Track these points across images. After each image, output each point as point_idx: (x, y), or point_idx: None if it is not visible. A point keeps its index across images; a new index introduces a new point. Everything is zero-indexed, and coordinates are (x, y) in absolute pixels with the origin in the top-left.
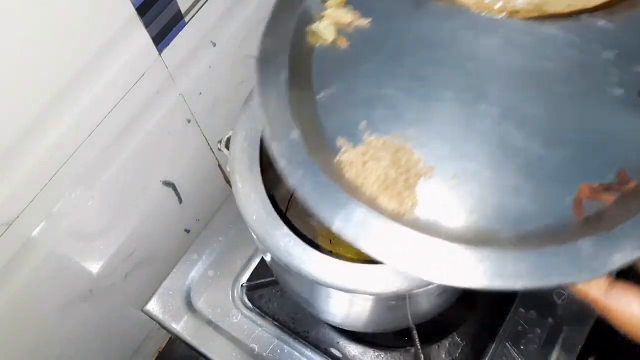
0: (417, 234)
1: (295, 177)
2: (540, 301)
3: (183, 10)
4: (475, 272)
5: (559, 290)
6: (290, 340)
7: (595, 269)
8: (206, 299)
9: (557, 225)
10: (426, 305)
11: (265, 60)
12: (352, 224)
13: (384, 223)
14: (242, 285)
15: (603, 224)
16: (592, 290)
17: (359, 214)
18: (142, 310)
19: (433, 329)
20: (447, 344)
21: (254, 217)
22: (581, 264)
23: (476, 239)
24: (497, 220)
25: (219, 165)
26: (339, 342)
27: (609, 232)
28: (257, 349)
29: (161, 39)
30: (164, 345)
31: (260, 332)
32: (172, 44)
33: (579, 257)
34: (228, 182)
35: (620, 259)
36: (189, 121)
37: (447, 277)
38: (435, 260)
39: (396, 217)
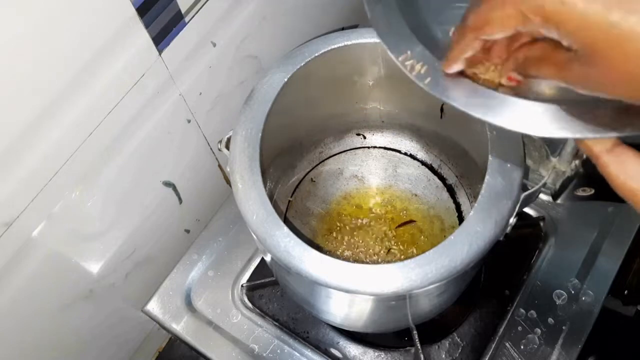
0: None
1: None
2: (540, 301)
3: (183, 10)
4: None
5: (558, 290)
6: (290, 340)
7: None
8: (206, 299)
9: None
10: (426, 305)
11: None
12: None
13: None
14: (242, 285)
15: None
16: (596, 146)
17: None
18: (142, 310)
19: (433, 329)
20: (447, 344)
21: (254, 217)
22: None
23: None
24: None
25: (219, 165)
26: (339, 342)
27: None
28: (257, 349)
29: (161, 39)
30: (164, 345)
31: (260, 332)
32: (172, 44)
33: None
34: (228, 182)
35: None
36: (189, 121)
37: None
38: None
39: None
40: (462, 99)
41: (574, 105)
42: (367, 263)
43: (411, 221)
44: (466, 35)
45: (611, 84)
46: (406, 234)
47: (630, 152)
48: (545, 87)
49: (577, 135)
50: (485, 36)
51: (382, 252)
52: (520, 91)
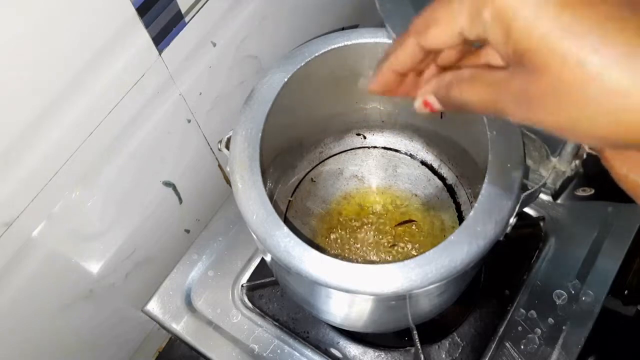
0: None
1: None
2: (540, 301)
3: (183, 10)
4: None
5: (558, 290)
6: (290, 340)
7: None
8: (206, 299)
9: None
10: (426, 305)
11: None
12: None
13: None
14: (242, 285)
15: None
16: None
17: None
18: (142, 310)
19: (433, 329)
20: (447, 344)
21: (254, 217)
22: None
23: None
24: None
25: (219, 165)
26: (339, 342)
27: None
28: (257, 349)
29: (161, 39)
30: (164, 345)
31: (260, 332)
32: (172, 44)
33: None
34: (228, 182)
35: None
36: (189, 121)
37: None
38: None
39: None
40: None
41: None
42: (367, 263)
43: (410, 220)
44: (406, 40)
45: (545, 109)
46: (406, 234)
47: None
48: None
49: None
50: (427, 41)
51: (382, 252)
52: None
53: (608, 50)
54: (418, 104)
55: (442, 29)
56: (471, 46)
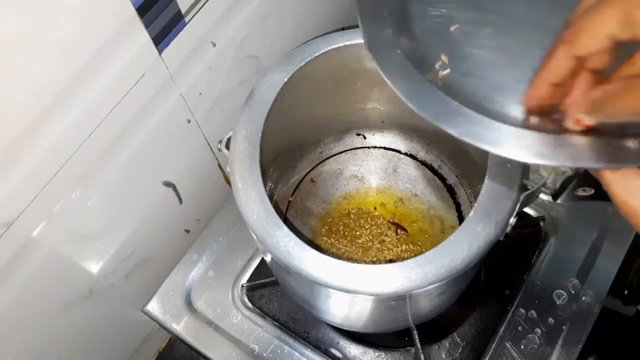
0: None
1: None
2: (540, 301)
3: (183, 10)
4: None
5: (558, 290)
6: (290, 341)
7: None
8: (206, 299)
9: None
10: (426, 305)
11: None
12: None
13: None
14: (242, 285)
15: None
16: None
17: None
18: (142, 310)
19: (433, 329)
20: (447, 344)
21: (254, 217)
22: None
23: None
24: None
25: (219, 165)
26: (339, 342)
27: None
28: (257, 349)
29: (161, 39)
30: (164, 346)
31: (260, 332)
32: (172, 44)
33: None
34: (228, 182)
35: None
36: (189, 121)
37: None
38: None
39: None
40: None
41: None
42: (367, 263)
43: (403, 228)
44: (556, 51)
45: None
46: (406, 234)
47: (634, 171)
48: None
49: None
50: (579, 48)
51: (382, 252)
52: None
53: None
54: (571, 124)
55: (593, 35)
56: (622, 48)
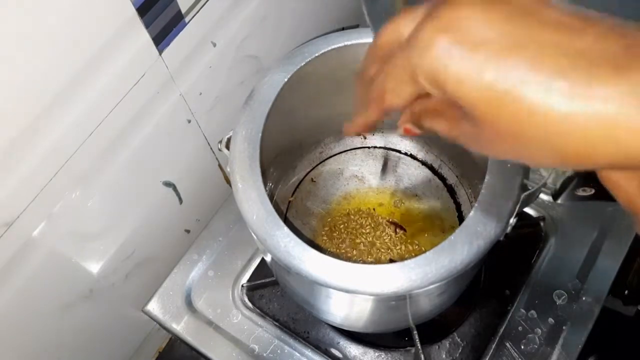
0: None
1: None
2: (540, 301)
3: (183, 10)
4: None
5: (558, 290)
6: (291, 341)
7: None
8: (206, 299)
9: None
10: (426, 305)
11: None
12: None
13: None
14: (242, 285)
15: None
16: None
17: None
18: (142, 310)
19: (433, 329)
20: (447, 344)
21: (254, 217)
22: None
23: None
24: None
25: (219, 165)
26: (339, 342)
27: None
28: (257, 349)
29: (161, 39)
30: (164, 346)
31: (260, 332)
32: (172, 44)
33: None
34: (228, 182)
35: None
36: (189, 121)
37: None
38: None
39: None
40: None
41: None
42: (367, 263)
43: (402, 228)
44: (370, 106)
45: (495, 145)
46: (406, 234)
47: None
48: None
49: None
50: (387, 107)
51: (382, 252)
52: None
53: (534, 78)
54: (400, 132)
55: (395, 98)
56: None
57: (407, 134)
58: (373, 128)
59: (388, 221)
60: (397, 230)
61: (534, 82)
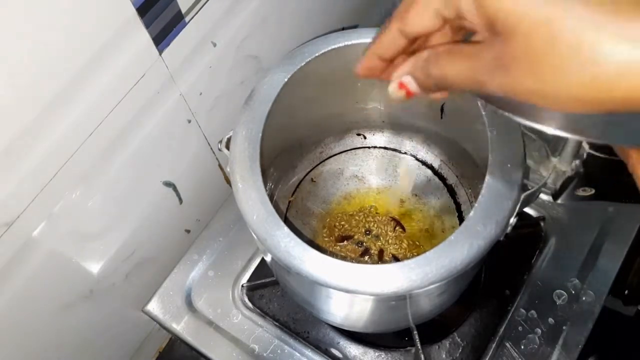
0: None
1: None
2: (540, 301)
3: (183, 10)
4: None
5: (558, 290)
6: (291, 341)
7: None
8: (206, 299)
9: None
10: (426, 305)
11: None
12: None
13: None
14: (242, 285)
15: None
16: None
17: None
18: (142, 310)
19: (433, 329)
20: (447, 344)
21: (254, 217)
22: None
23: None
24: None
25: (219, 165)
26: (339, 342)
27: None
28: (257, 349)
29: (161, 39)
30: (164, 346)
31: (260, 332)
32: (172, 44)
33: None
34: (228, 182)
35: None
36: (189, 121)
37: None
38: None
39: None
40: None
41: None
42: (368, 263)
43: (402, 226)
44: (389, 25)
45: (516, 73)
46: (406, 234)
47: None
48: None
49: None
50: (407, 25)
51: (382, 252)
52: None
53: (573, 7)
54: (393, 87)
55: (418, 11)
56: (459, 33)
57: (401, 90)
58: (384, 64)
59: (389, 217)
60: (397, 228)
61: (571, 12)
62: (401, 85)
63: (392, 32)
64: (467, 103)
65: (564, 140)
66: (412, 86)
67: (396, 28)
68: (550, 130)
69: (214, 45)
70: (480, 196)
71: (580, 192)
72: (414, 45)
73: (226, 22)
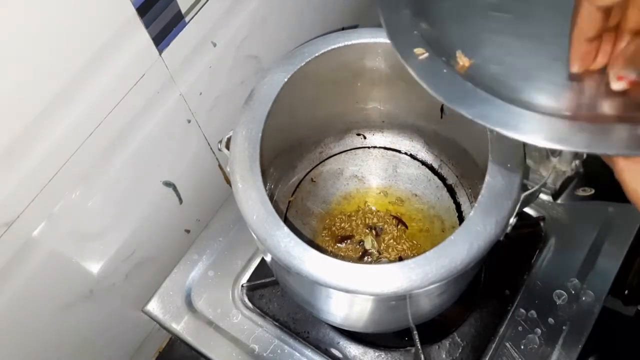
0: None
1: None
2: (540, 301)
3: (183, 10)
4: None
5: (558, 290)
6: (291, 341)
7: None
8: (206, 299)
9: None
10: (426, 305)
11: None
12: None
13: None
14: (242, 285)
15: None
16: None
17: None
18: (142, 310)
19: (433, 329)
20: (447, 344)
21: (254, 217)
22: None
23: None
24: None
25: (219, 165)
26: (339, 342)
27: None
28: (257, 349)
29: (161, 39)
30: (164, 346)
31: (260, 332)
32: (172, 44)
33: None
34: (228, 182)
35: None
36: (189, 121)
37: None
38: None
39: None
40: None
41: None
42: (368, 263)
43: (402, 222)
44: (580, 8)
45: None
46: (406, 234)
47: None
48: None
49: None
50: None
51: (382, 252)
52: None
53: None
54: (613, 82)
55: None
56: None
57: (621, 82)
58: (593, 46)
59: (390, 215)
60: (399, 225)
61: None
62: (620, 78)
63: (585, 8)
64: None
65: None
66: (631, 76)
67: (587, 7)
68: (537, 142)
69: (214, 45)
70: (480, 196)
71: (580, 192)
72: (612, 20)
73: (226, 22)
